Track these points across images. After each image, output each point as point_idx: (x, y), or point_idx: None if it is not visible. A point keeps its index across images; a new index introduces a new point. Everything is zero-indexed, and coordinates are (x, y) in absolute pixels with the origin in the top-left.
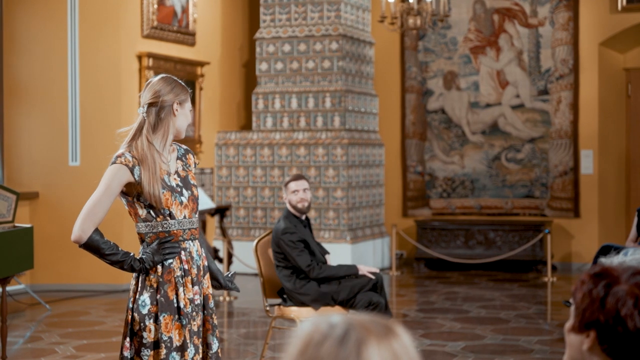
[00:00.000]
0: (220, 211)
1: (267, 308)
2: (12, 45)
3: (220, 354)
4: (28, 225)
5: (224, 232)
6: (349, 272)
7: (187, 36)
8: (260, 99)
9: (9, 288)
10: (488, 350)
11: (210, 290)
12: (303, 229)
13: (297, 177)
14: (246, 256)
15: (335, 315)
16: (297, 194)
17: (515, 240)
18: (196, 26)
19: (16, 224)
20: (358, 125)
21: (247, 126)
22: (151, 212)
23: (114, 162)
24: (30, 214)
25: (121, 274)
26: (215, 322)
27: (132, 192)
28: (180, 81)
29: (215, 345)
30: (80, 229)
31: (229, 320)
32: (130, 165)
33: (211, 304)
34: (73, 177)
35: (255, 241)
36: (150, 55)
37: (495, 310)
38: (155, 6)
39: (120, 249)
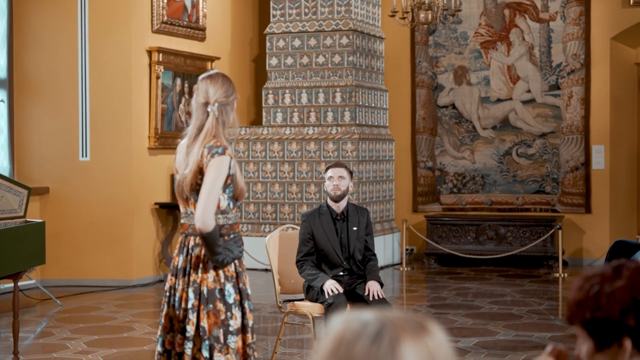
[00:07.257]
0: None
1: (280, 304)
2: (23, 40)
3: None
4: (40, 220)
5: None
6: (317, 285)
7: (197, 31)
8: (271, 94)
9: (19, 283)
10: (500, 347)
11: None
12: (318, 221)
13: (335, 165)
14: (257, 251)
15: (366, 312)
16: (331, 180)
17: (526, 235)
18: (206, 21)
19: (28, 219)
20: (368, 120)
21: (257, 121)
22: (230, 204)
23: (222, 154)
24: (41, 209)
25: (131, 270)
26: None
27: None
28: None
29: None
30: (208, 218)
31: None
32: (231, 157)
33: None
34: (83, 172)
35: (268, 237)
36: (160, 50)
37: (506, 306)
38: (165, 1)
39: None
